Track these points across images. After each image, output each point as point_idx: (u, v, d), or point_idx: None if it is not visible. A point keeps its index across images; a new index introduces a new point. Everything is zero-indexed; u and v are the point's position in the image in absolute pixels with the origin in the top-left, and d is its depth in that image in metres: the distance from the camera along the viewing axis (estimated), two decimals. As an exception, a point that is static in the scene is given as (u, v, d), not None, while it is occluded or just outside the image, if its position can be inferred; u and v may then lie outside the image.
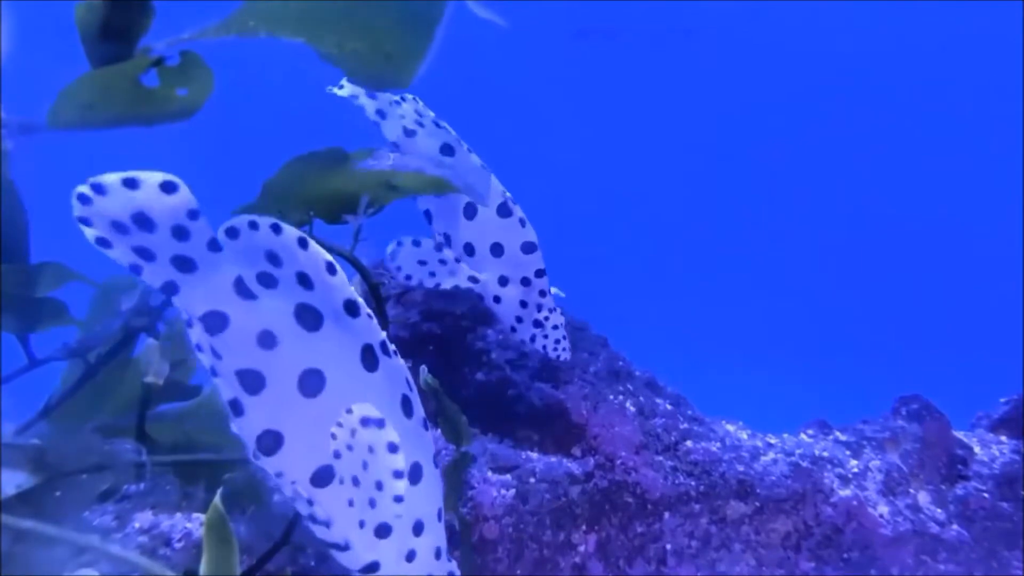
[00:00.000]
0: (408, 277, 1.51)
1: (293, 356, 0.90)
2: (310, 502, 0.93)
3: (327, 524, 0.93)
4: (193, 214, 0.87)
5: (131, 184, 0.85)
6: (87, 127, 1.10)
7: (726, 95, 9.11)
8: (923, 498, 1.71)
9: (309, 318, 0.91)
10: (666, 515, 1.62)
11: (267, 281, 0.90)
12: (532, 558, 1.55)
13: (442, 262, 1.52)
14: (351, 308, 0.91)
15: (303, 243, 0.88)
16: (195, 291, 0.89)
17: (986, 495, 1.70)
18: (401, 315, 1.79)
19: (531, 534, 1.56)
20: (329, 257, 0.90)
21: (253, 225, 0.88)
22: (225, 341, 0.90)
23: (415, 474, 0.95)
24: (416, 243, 1.51)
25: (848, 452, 1.76)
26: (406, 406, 0.94)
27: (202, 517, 1.28)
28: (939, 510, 1.70)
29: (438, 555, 0.98)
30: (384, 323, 1.35)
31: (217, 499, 0.99)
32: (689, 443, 1.69)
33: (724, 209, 8.56)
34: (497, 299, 1.55)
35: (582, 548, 1.58)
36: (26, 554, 1.03)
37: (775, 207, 9.04)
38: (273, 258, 0.89)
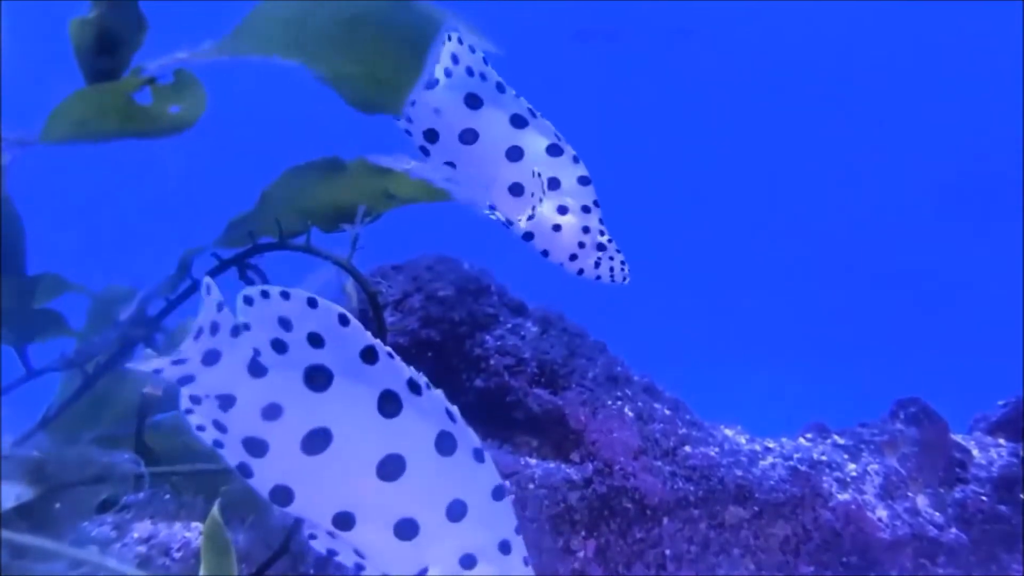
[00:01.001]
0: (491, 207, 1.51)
1: (297, 421, 0.95)
2: (359, 557, 0.97)
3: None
4: (220, 306, 0.94)
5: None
6: (80, 143, 1.10)
7: (726, 96, 9.12)
8: (921, 501, 1.71)
9: (319, 379, 0.95)
10: (665, 520, 1.62)
11: (279, 347, 0.94)
12: (531, 564, 1.55)
13: (490, 208, 1.50)
14: (368, 355, 0.95)
15: (312, 303, 0.93)
16: (209, 378, 0.95)
17: (984, 498, 1.71)
18: (399, 322, 1.79)
19: (530, 540, 1.55)
20: (341, 310, 0.94)
21: (265, 294, 0.93)
22: (231, 417, 0.95)
23: (458, 511, 0.96)
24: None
25: (846, 456, 1.77)
26: (443, 442, 0.96)
27: (201, 526, 1.28)
28: (937, 513, 1.70)
29: None
30: (383, 330, 1.35)
31: (215, 509, 1.00)
32: (688, 448, 1.69)
33: (722, 212, 8.57)
34: (557, 228, 1.53)
35: (581, 554, 1.58)
36: (24, 568, 1.03)
37: (773, 209, 9.05)
38: (285, 323, 0.94)
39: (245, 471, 0.95)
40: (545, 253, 1.54)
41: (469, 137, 1.50)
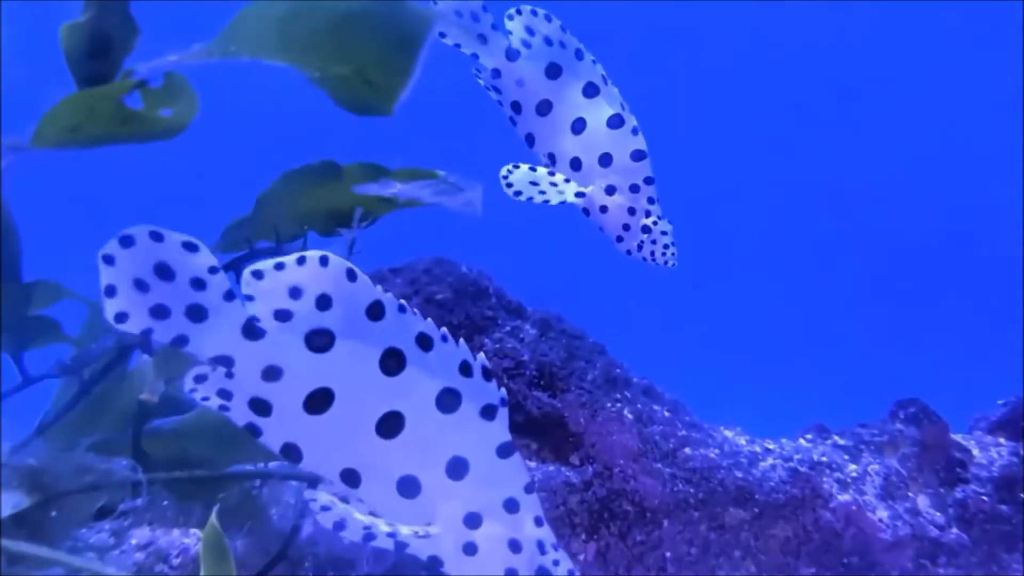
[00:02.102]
0: (518, 193, 1.52)
1: (297, 382, 0.95)
2: (368, 519, 0.96)
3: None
4: (213, 269, 0.93)
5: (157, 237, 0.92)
6: (72, 148, 1.10)
7: (726, 96, 9.13)
8: (922, 502, 1.71)
9: (320, 341, 0.94)
10: (665, 523, 1.62)
11: (283, 316, 0.94)
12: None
13: (552, 184, 1.53)
14: (374, 311, 0.94)
15: (323, 261, 0.92)
16: (204, 340, 0.94)
17: (985, 498, 1.70)
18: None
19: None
20: (349, 265, 0.93)
21: (279, 266, 0.92)
22: (234, 382, 0.95)
23: (459, 469, 0.96)
24: (532, 169, 1.52)
25: (847, 456, 1.76)
26: (445, 399, 0.96)
27: (199, 533, 1.27)
28: (938, 514, 1.70)
29: (515, 547, 0.96)
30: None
31: (213, 516, 0.99)
32: (687, 450, 1.69)
33: (721, 213, 8.58)
34: (604, 209, 1.55)
35: (581, 557, 1.58)
36: (21, 576, 1.03)
37: (773, 209, 9.06)
38: (295, 292, 0.93)
39: (254, 431, 0.96)
40: (601, 230, 1.57)
41: (544, 108, 1.53)
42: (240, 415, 0.95)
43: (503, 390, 0.98)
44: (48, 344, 1.37)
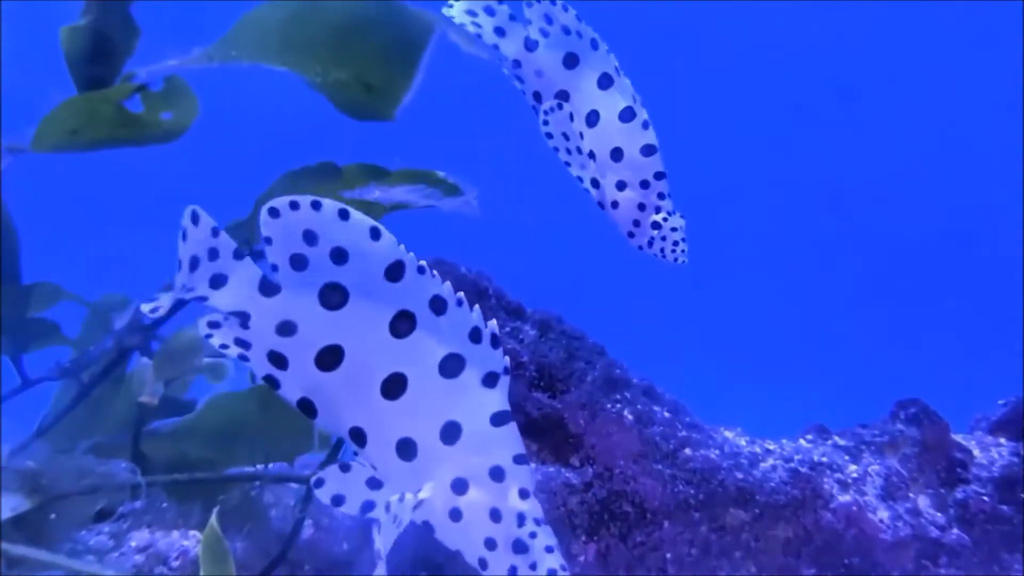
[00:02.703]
0: (550, 136, 1.52)
1: (310, 338, 0.96)
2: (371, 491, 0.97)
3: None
4: (215, 231, 0.96)
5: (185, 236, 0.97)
6: (71, 151, 1.10)
7: (725, 97, 9.12)
8: (923, 502, 1.71)
9: (334, 297, 0.95)
10: (666, 524, 1.61)
11: (298, 263, 0.95)
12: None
13: (579, 150, 1.53)
14: (393, 272, 0.94)
15: (344, 214, 0.93)
16: (222, 299, 0.97)
17: (986, 498, 1.70)
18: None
19: (530, 545, 1.55)
20: (374, 223, 0.94)
21: (294, 205, 0.93)
22: (250, 333, 0.97)
23: (452, 433, 0.96)
24: (571, 116, 1.52)
25: (847, 457, 1.76)
26: (449, 364, 0.96)
27: (199, 535, 1.27)
28: (939, 514, 1.69)
29: (495, 516, 0.95)
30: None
31: (213, 518, 0.99)
32: (688, 451, 1.68)
33: (721, 213, 8.57)
34: (615, 204, 1.55)
35: (582, 559, 1.57)
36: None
37: (772, 209, 9.06)
38: (310, 237, 0.94)
39: (272, 383, 0.97)
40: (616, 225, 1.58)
41: (563, 99, 1.53)
42: (260, 366, 0.97)
43: (507, 359, 0.97)
44: (47, 346, 1.37)
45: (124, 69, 1.16)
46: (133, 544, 1.28)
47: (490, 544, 0.94)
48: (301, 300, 0.96)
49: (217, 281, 0.97)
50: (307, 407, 0.98)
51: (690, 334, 7.42)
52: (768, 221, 9.04)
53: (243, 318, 0.96)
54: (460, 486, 0.95)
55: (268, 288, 0.96)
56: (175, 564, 1.28)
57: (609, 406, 1.71)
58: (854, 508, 1.65)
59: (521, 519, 0.94)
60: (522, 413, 1.71)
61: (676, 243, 1.57)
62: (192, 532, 1.30)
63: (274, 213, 0.93)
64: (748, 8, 8.81)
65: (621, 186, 1.55)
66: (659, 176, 1.55)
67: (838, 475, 1.70)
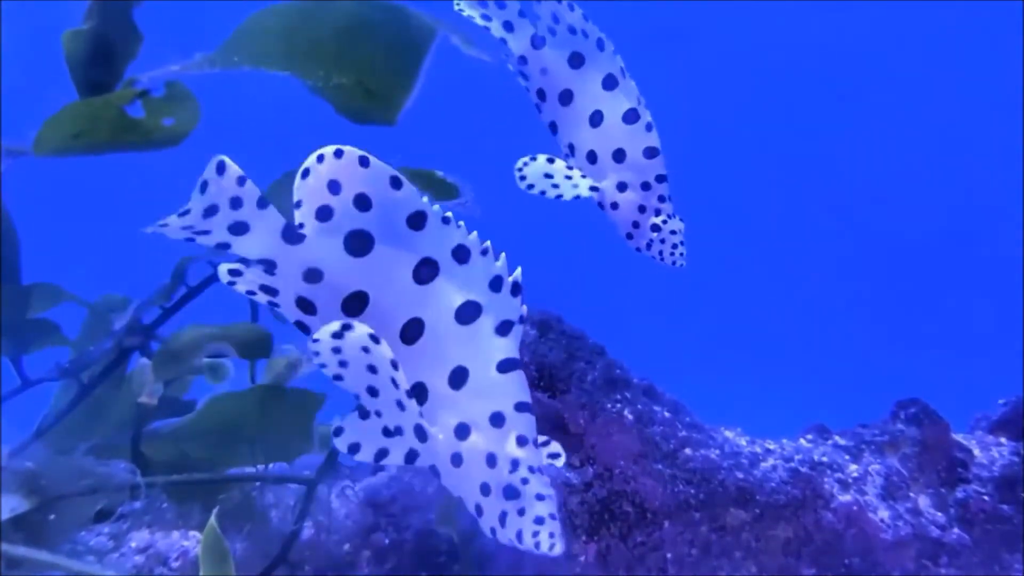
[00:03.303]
0: (531, 187, 1.53)
1: (336, 284, 0.97)
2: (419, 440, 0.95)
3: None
4: (241, 180, 0.97)
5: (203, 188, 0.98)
6: (72, 155, 1.10)
7: (726, 97, 9.12)
8: (923, 502, 1.71)
9: (359, 244, 0.96)
10: (666, 524, 1.61)
11: (324, 215, 0.96)
12: (532, 570, 1.54)
13: (567, 177, 1.53)
14: (416, 221, 0.96)
15: (363, 162, 0.95)
16: (245, 246, 0.98)
17: (986, 498, 1.70)
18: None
19: (530, 545, 1.55)
20: (394, 172, 0.95)
21: (320, 159, 0.95)
22: (277, 280, 0.98)
23: (459, 378, 0.96)
24: (550, 160, 1.53)
25: (847, 457, 1.76)
26: (465, 310, 0.96)
27: (199, 535, 1.27)
28: (940, 514, 1.69)
29: (491, 461, 0.94)
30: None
31: (213, 518, 0.99)
32: (688, 451, 1.68)
33: (721, 213, 8.57)
34: (615, 206, 1.55)
35: (582, 559, 1.57)
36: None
37: (772, 209, 9.05)
38: (334, 186, 0.95)
39: (303, 328, 0.98)
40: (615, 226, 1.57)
41: (566, 98, 1.53)
42: (289, 311, 0.98)
43: (524, 307, 0.97)
44: (47, 347, 1.37)
45: (126, 73, 1.16)
46: (133, 545, 1.28)
47: (485, 490, 0.93)
48: (327, 247, 0.97)
49: (238, 228, 0.97)
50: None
51: (690, 334, 7.41)
52: (768, 221, 9.04)
53: (268, 265, 0.97)
54: (462, 431, 0.95)
55: (292, 236, 0.97)
56: (175, 565, 1.28)
57: (609, 406, 1.71)
58: (854, 508, 1.65)
59: (515, 465, 0.93)
60: (522, 413, 1.71)
61: (675, 246, 1.57)
62: (192, 532, 1.30)
63: (306, 174, 0.95)
64: (748, 8, 8.81)
65: (622, 187, 1.54)
66: (660, 179, 1.55)
67: (838, 475, 1.70)
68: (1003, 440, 1.82)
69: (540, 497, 0.93)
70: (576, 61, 1.51)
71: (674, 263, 1.58)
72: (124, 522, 1.27)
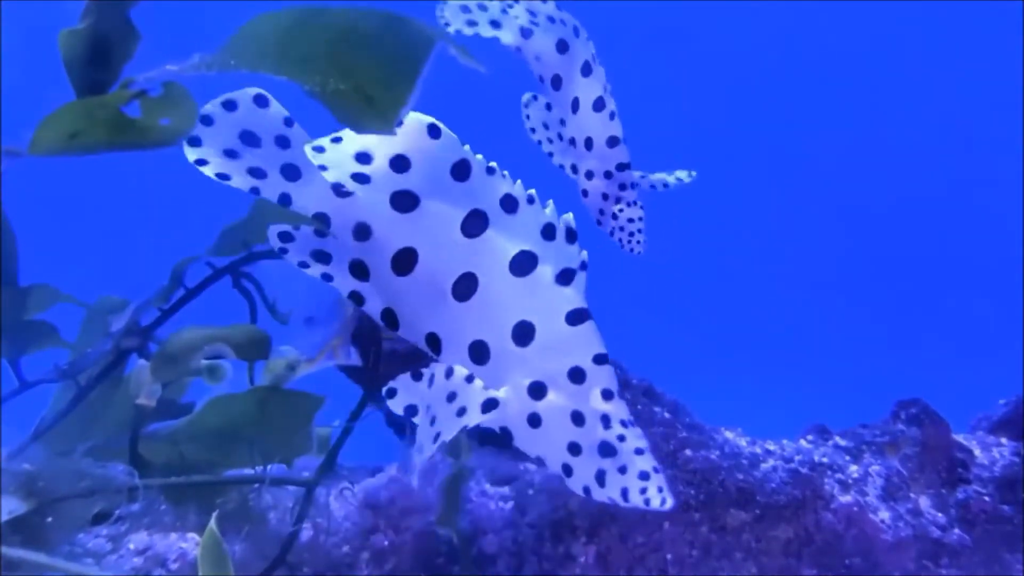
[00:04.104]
0: (532, 131, 1.58)
1: (385, 241, 0.95)
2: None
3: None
4: (288, 121, 0.96)
5: (229, 106, 0.97)
6: (69, 155, 1.10)
7: (726, 97, 9.12)
8: (924, 502, 1.70)
9: (403, 202, 0.94)
10: (666, 525, 1.61)
11: (361, 179, 0.94)
12: (532, 571, 1.54)
13: (560, 136, 1.58)
14: (460, 171, 0.93)
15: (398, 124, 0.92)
16: (304, 197, 0.97)
17: (987, 498, 1.69)
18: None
19: (531, 547, 1.55)
20: (431, 120, 0.93)
21: (336, 140, 0.95)
22: (329, 243, 0.96)
23: (525, 334, 0.91)
24: (548, 107, 1.57)
25: (848, 457, 1.76)
26: (520, 261, 0.92)
27: (197, 537, 1.27)
28: (940, 514, 1.69)
29: (578, 420, 0.89)
30: (378, 336, 1.34)
31: (212, 521, 0.99)
32: (688, 451, 1.68)
33: (721, 212, 8.58)
34: (585, 193, 1.59)
35: (582, 560, 1.57)
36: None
37: (772, 209, 9.06)
38: (363, 158, 0.94)
39: (357, 299, 0.96)
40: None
41: (556, 83, 1.57)
42: (343, 281, 0.96)
43: (585, 253, 0.93)
44: (45, 348, 1.37)
45: (123, 74, 1.16)
46: (131, 547, 1.28)
47: (574, 449, 0.89)
48: (374, 202, 0.94)
49: (292, 173, 0.96)
50: (390, 318, 0.95)
51: (690, 334, 7.41)
52: (768, 221, 9.04)
53: (324, 221, 0.95)
54: (537, 390, 0.90)
55: (341, 191, 0.95)
56: (174, 567, 1.28)
57: (609, 407, 1.70)
58: (855, 508, 1.65)
59: (607, 421, 0.90)
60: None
61: (632, 234, 1.60)
62: (191, 534, 1.30)
63: (319, 149, 0.94)
64: (748, 8, 8.81)
65: (590, 175, 1.58)
66: (621, 167, 1.58)
67: (839, 475, 1.70)
68: (1004, 440, 1.82)
69: (639, 451, 0.90)
70: (562, 47, 1.54)
71: (632, 250, 1.61)
72: (122, 524, 1.27)
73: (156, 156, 1.25)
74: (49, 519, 1.11)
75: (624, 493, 0.89)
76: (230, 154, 0.97)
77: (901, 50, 9.22)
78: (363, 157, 0.94)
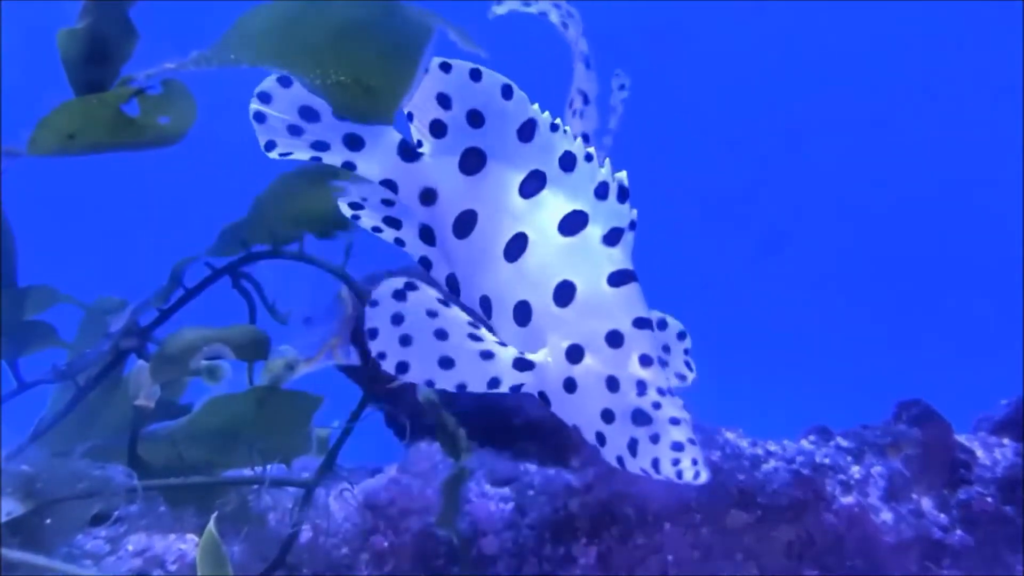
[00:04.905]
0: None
1: (449, 204, 0.94)
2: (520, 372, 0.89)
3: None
4: None
5: (285, 82, 0.96)
6: (68, 154, 1.09)
7: (726, 97, 9.12)
8: (926, 503, 1.70)
9: (472, 162, 0.93)
10: (667, 526, 1.61)
11: (438, 130, 0.93)
12: (532, 572, 1.53)
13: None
14: (526, 131, 0.91)
15: (475, 75, 0.91)
16: (368, 165, 0.96)
17: (989, 499, 1.69)
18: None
19: (531, 548, 1.54)
20: (505, 80, 0.91)
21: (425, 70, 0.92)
22: (397, 209, 0.96)
23: (565, 294, 0.88)
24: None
25: (850, 458, 1.75)
26: (570, 220, 0.89)
27: (196, 538, 1.27)
28: (942, 515, 1.69)
29: (612, 385, 0.85)
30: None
31: (211, 523, 0.99)
32: (689, 452, 1.68)
33: (721, 212, 8.58)
34: None
35: (583, 561, 1.56)
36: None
37: (772, 209, 9.05)
38: (443, 100, 0.92)
39: (425, 263, 0.96)
40: None
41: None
42: (413, 246, 0.95)
43: (635, 212, 0.89)
44: (43, 349, 1.37)
45: (122, 72, 1.15)
46: (130, 548, 1.28)
47: (607, 416, 0.85)
48: (441, 165, 0.93)
49: (354, 143, 0.95)
50: (453, 283, 0.94)
51: (690, 334, 7.39)
52: (769, 221, 9.04)
53: (391, 188, 0.95)
54: (575, 353, 0.86)
55: (409, 153, 0.95)
56: (172, 568, 1.28)
57: (610, 407, 1.70)
58: (856, 509, 1.64)
59: (642, 387, 0.85)
60: (522, 414, 1.70)
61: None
62: (189, 536, 1.30)
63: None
64: (748, 8, 8.81)
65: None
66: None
67: (840, 476, 1.70)
68: (1006, 441, 1.82)
69: (675, 421, 0.84)
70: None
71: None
72: (121, 525, 1.26)
73: (156, 156, 1.24)
74: (48, 520, 1.11)
75: (655, 464, 0.83)
76: (294, 131, 0.96)
77: (901, 50, 9.21)
78: (444, 100, 0.92)
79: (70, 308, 1.39)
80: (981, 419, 1.93)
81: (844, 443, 1.78)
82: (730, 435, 1.78)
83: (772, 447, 1.75)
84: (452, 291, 0.94)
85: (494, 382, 0.87)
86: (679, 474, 0.83)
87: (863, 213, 9.05)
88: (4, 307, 1.27)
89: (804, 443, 1.80)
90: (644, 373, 0.86)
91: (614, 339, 0.86)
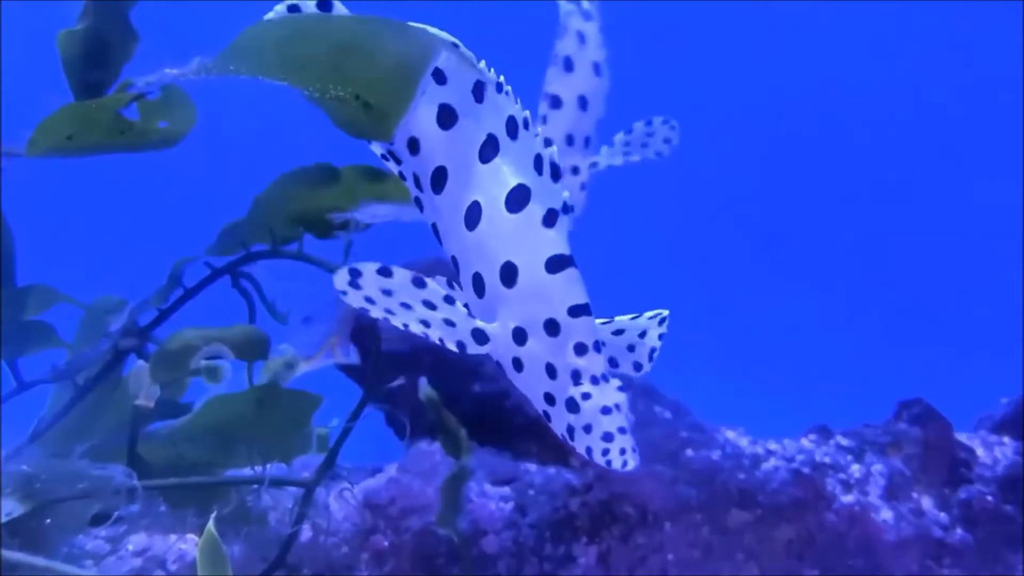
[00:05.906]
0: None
1: (429, 156, 0.95)
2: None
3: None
4: None
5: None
6: (66, 156, 1.09)
7: (726, 97, 9.12)
8: (926, 502, 1.70)
9: (446, 118, 0.93)
10: (667, 525, 1.61)
11: (437, 76, 0.93)
12: (533, 572, 1.53)
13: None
14: (478, 92, 0.92)
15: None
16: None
17: (989, 498, 1.69)
18: (397, 327, 1.77)
19: (531, 547, 1.54)
20: (451, 38, 0.92)
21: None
22: (396, 148, 0.97)
23: (510, 275, 0.88)
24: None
25: (850, 457, 1.75)
26: (515, 196, 0.89)
27: (196, 538, 1.27)
28: (942, 514, 1.69)
29: (551, 372, 0.86)
30: (378, 336, 1.34)
31: (211, 523, 0.98)
32: (689, 452, 1.68)
33: (721, 212, 8.57)
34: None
35: (583, 560, 1.56)
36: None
37: (773, 209, 9.05)
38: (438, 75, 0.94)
39: (419, 204, 0.97)
40: None
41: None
42: (411, 186, 0.97)
43: (568, 194, 0.89)
44: (43, 349, 1.37)
45: (122, 74, 1.15)
46: (130, 548, 1.28)
47: (549, 399, 0.88)
48: (425, 117, 0.94)
49: None
50: (436, 233, 0.96)
51: (690, 334, 7.39)
52: (768, 220, 9.04)
53: (414, 144, 0.97)
54: (520, 336, 0.88)
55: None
56: (172, 568, 1.28)
57: (610, 407, 1.70)
58: (857, 508, 1.64)
59: (576, 377, 0.86)
60: (522, 414, 1.70)
61: None
62: (189, 535, 1.30)
63: (438, 76, 0.93)
64: (747, 8, 8.81)
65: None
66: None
67: (841, 475, 1.69)
68: (1006, 440, 1.82)
69: (606, 411, 0.86)
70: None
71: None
72: (121, 525, 1.26)
73: (156, 156, 1.24)
74: (47, 521, 1.11)
75: (588, 452, 0.86)
76: None
77: (901, 50, 9.21)
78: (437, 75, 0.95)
79: (70, 308, 1.39)
80: (981, 418, 1.93)
81: (844, 442, 1.78)
82: (730, 434, 1.78)
83: (772, 446, 1.75)
84: (438, 240, 0.96)
85: (460, 345, 0.90)
86: (608, 464, 0.85)
87: (863, 213, 9.05)
88: (4, 307, 1.27)
89: (804, 442, 1.80)
90: (579, 362, 0.87)
91: (551, 328, 0.87)
